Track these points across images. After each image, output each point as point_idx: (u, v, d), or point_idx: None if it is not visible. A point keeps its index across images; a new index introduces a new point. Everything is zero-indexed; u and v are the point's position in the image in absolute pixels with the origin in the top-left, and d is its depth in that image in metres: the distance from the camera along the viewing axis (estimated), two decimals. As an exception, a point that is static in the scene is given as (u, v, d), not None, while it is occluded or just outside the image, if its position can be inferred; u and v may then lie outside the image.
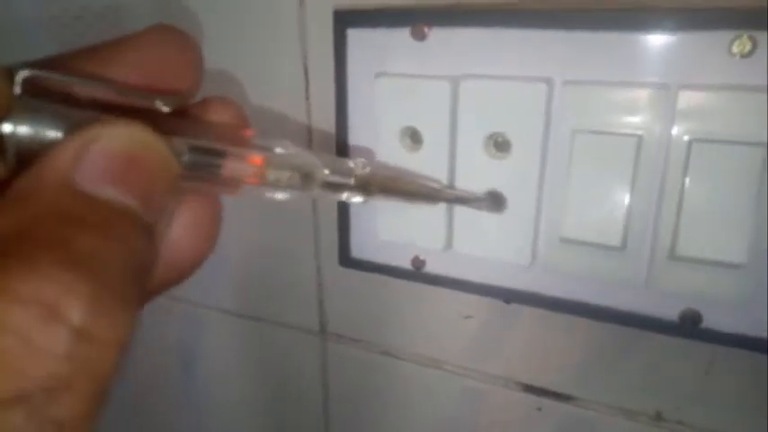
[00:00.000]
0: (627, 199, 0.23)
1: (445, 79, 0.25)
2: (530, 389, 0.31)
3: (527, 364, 0.30)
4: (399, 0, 0.27)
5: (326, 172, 0.20)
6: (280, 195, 0.19)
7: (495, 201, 0.26)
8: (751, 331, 0.23)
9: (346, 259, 0.32)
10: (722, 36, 0.21)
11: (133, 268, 0.13)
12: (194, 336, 0.42)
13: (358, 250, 0.31)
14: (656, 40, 0.22)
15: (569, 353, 0.29)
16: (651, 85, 0.22)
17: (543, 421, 0.31)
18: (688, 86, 0.22)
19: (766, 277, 0.22)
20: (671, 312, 0.24)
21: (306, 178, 0.19)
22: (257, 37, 0.32)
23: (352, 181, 0.21)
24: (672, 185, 0.23)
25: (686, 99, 0.22)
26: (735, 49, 0.21)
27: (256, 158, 0.18)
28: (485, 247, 0.27)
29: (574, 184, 0.24)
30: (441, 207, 0.27)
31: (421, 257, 0.29)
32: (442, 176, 0.27)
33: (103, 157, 0.13)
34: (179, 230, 0.16)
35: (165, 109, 0.16)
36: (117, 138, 0.13)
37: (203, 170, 0.16)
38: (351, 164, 0.22)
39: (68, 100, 0.14)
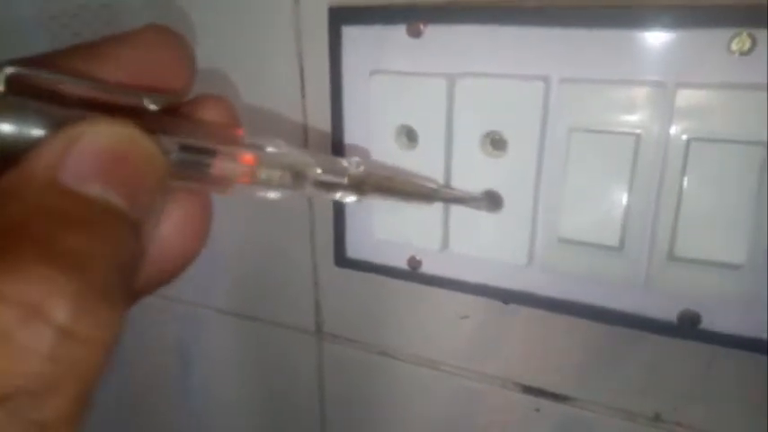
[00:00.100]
0: (625, 198, 0.23)
1: (441, 77, 0.25)
2: (528, 389, 0.31)
3: (525, 365, 0.30)
4: (395, -3, 0.27)
5: (319, 171, 0.20)
6: (272, 194, 0.19)
7: (491, 200, 0.26)
8: (750, 332, 0.23)
9: (342, 259, 0.31)
10: (721, 33, 0.21)
11: (119, 266, 0.13)
12: (191, 336, 0.42)
13: (354, 250, 0.31)
14: (655, 38, 0.22)
15: (567, 353, 0.29)
16: (649, 84, 0.22)
17: (541, 422, 0.31)
18: (686, 85, 0.21)
19: (765, 278, 0.22)
20: (669, 313, 0.24)
21: (298, 177, 0.19)
22: (252, 35, 0.31)
23: (345, 180, 0.21)
24: (670, 185, 0.22)
25: (685, 97, 0.21)
26: (734, 46, 0.20)
27: (247, 157, 0.18)
28: (481, 247, 0.27)
29: (571, 184, 0.24)
30: (437, 207, 0.27)
31: (417, 257, 0.29)
32: (438, 175, 0.26)
33: (89, 153, 0.13)
34: (168, 229, 0.16)
35: (153, 107, 0.15)
36: (103, 135, 0.13)
37: (193, 169, 0.16)
38: (344, 163, 0.22)
39: (56, 98, 0.14)
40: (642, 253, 0.23)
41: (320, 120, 0.31)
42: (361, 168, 0.22)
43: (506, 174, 0.25)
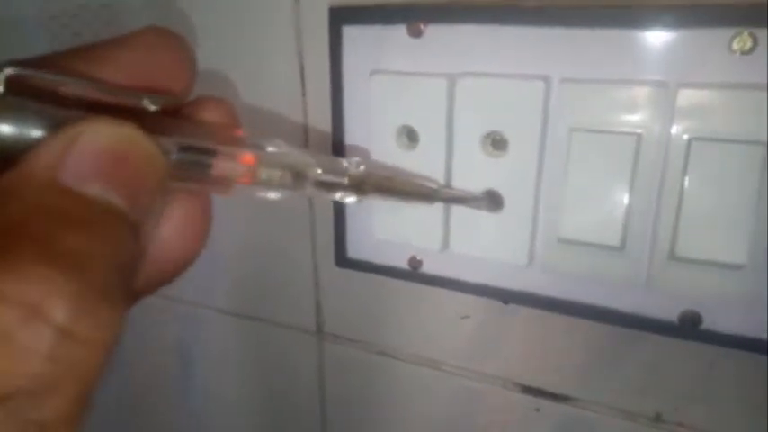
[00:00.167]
0: (626, 198, 0.23)
1: (442, 77, 0.25)
2: (528, 389, 0.31)
3: (525, 365, 0.30)
4: (395, -3, 0.27)
5: (319, 171, 0.20)
6: (272, 195, 0.19)
7: (492, 200, 0.26)
8: (751, 332, 0.23)
9: (342, 259, 0.31)
10: (722, 33, 0.21)
11: (119, 267, 0.13)
12: (191, 336, 0.42)
13: (354, 250, 0.31)
14: (656, 38, 0.22)
15: (567, 353, 0.29)
16: (650, 83, 0.22)
17: (541, 422, 0.31)
18: (688, 84, 0.21)
19: (766, 278, 0.22)
20: (670, 313, 0.24)
21: (298, 177, 0.19)
22: (252, 35, 0.31)
23: (345, 180, 0.21)
24: (671, 185, 0.22)
25: (686, 97, 0.21)
26: (735, 46, 0.20)
27: (247, 157, 0.18)
28: (482, 247, 0.27)
29: (572, 184, 0.24)
30: (437, 207, 0.27)
31: (418, 257, 0.29)
32: (439, 175, 0.26)
33: (89, 153, 0.13)
34: (168, 230, 0.16)
35: (153, 108, 0.15)
36: (103, 134, 0.13)
37: (193, 169, 0.16)
38: (345, 163, 0.22)
39: (55, 99, 0.14)
40: (643, 253, 0.23)
41: (320, 120, 0.31)
42: (362, 168, 0.22)
43: (507, 174, 0.25)
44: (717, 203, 0.22)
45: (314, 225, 0.33)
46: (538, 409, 0.31)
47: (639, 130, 0.22)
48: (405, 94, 0.26)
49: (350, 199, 0.22)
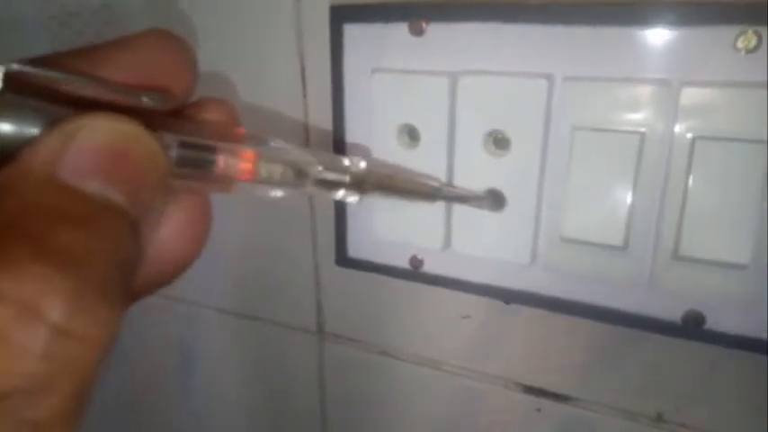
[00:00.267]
0: (629, 198, 0.23)
1: (443, 75, 0.25)
2: (529, 389, 0.30)
3: (526, 365, 0.30)
4: (397, -5, 0.26)
5: (320, 168, 0.20)
6: (274, 193, 0.19)
7: (494, 199, 0.26)
8: (754, 333, 0.23)
9: (343, 259, 0.31)
10: (727, 31, 0.20)
11: (117, 264, 0.12)
12: (192, 335, 0.42)
13: (355, 250, 0.31)
14: (659, 35, 0.22)
15: (569, 353, 0.29)
16: (653, 82, 0.22)
17: (543, 422, 0.31)
18: (691, 83, 0.21)
19: (771, 278, 0.22)
20: (673, 313, 0.24)
21: (299, 175, 0.19)
22: (253, 34, 0.31)
23: (347, 178, 0.21)
24: (675, 184, 0.22)
25: (689, 95, 0.21)
26: (740, 44, 0.20)
27: (248, 153, 0.17)
28: (484, 246, 0.26)
29: (574, 183, 0.24)
30: (439, 206, 0.26)
31: (419, 257, 0.29)
32: (441, 174, 0.26)
33: (89, 149, 0.12)
34: (168, 231, 0.16)
35: (152, 105, 0.15)
36: (103, 130, 0.13)
37: (194, 167, 0.16)
38: (346, 161, 0.21)
39: (56, 97, 0.14)
40: (646, 252, 0.23)
41: (321, 119, 0.31)
42: (363, 166, 0.22)
43: (509, 173, 0.25)
44: (720, 203, 0.22)
45: (314, 224, 0.33)
46: (539, 410, 0.30)
47: (643, 129, 0.22)
48: (406, 92, 0.26)
49: (351, 198, 0.22)
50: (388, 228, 0.29)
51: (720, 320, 0.23)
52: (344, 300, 0.34)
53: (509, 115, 0.24)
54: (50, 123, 0.13)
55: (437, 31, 0.25)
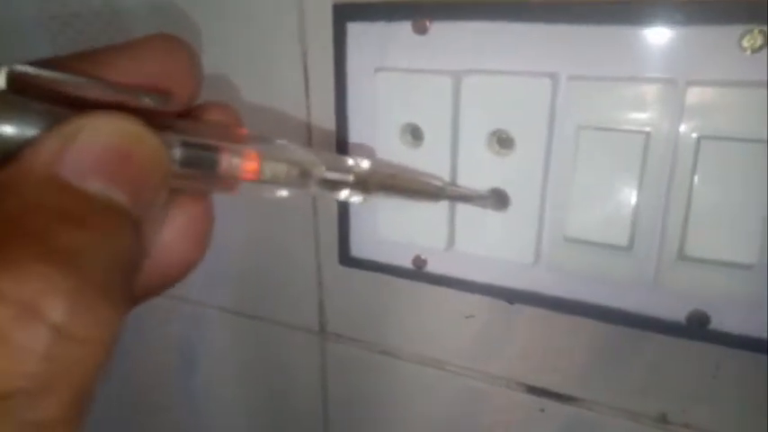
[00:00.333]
0: (634, 197, 0.23)
1: (447, 74, 0.25)
2: (532, 390, 0.30)
3: (530, 365, 0.30)
4: (400, -7, 0.26)
5: (324, 169, 0.20)
6: (277, 193, 0.19)
7: (498, 199, 0.25)
8: (759, 333, 0.23)
9: (346, 258, 0.31)
10: (732, 30, 0.20)
11: (120, 264, 0.12)
12: (194, 334, 0.42)
13: (358, 249, 0.31)
14: (664, 34, 0.21)
15: (573, 353, 0.29)
16: (659, 81, 0.22)
17: (546, 422, 0.31)
18: (697, 82, 0.21)
19: (776, 278, 0.22)
20: (678, 313, 0.24)
21: (303, 175, 0.19)
22: (256, 33, 0.31)
23: (350, 178, 0.21)
24: (680, 184, 0.22)
25: (695, 95, 0.21)
26: (745, 43, 0.20)
27: (252, 153, 0.17)
28: (487, 246, 0.26)
29: (579, 182, 0.24)
30: (442, 205, 0.26)
31: (422, 256, 0.29)
32: (444, 174, 0.26)
33: (90, 148, 0.12)
34: (171, 234, 0.16)
35: (153, 105, 0.15)
36: (104, 129, 0.13)
37: (198, 167, 0.16)
38: (350, 161, 0.21)
39: (58, 98, 0.14)
40: (651, 252, 0.23)
41: (324, 118, 0.31)
42: (367, 166, 0.22)
43: (513, 172, 0.25)
44: (725, 203, 0.22)
45: (317, 224, 0.33)
46: (542, 410, 0.30)
47: (648, 128, 0.22)
48: (410, 91, 0.26)
49: (355, 198, 0.22)
50: (391, 227, 0.28)
51: (725, 320, 0.23)
52: (347, 299, 0.34)
53: (513, 114, 0.24)
54: (52, 124, 0.13)
55: (441, 30, 0.25)
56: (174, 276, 0.16)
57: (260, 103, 0.32)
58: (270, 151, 0.18)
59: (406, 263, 0.29)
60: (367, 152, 0.28)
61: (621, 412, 0.28)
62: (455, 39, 0.25)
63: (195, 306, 0.40)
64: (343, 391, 0.37)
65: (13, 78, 0.13)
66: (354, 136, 0.29)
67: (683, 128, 0.22)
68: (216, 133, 0.17)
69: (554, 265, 0.25)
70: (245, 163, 0.17)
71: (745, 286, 0.22)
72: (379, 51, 0.27)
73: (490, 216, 0.26)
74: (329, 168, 0.20)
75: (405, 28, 0.26)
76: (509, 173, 0.25)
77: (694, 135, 0.21)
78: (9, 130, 0.12)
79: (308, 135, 0.31)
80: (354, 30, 0.27)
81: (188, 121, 0.17)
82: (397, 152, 0.27)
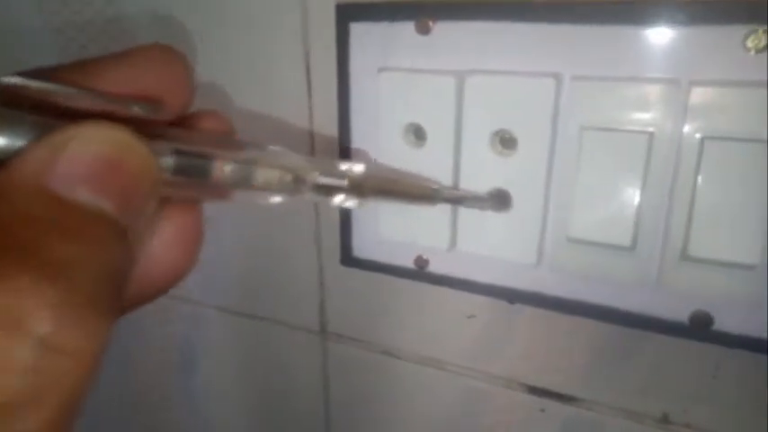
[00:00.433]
0: (637, 198, 0.23)
1: (450, 74, 0.25)
2: (533, 390, 0.30)
3: (531, 365, 0.30)
4: (403, -7, 0.26)
5: (317, 174, 0.20)
6: (271, 200, 0.19)
7: (498, 199, 0.25)
8: (762, 333, 0.23)
9: (348, 258, 0.31)
10: (736, 30, 0.20)
11: (108, 275, 0.12)
12: (195, 335, 0.41)
13: (360, 249, 0.31)
14: (668, 34, 0.21)
15: (574, 353, 0.29)
16: (662, 81, 0.22)
17: (547, 423, 0.31)
18: (700, 82, 0.21)
19: (779, 278, 0.22)
20: (681, 314, 0.24)
21: (296, 181, 0.19)
22: (259, 33, 0.31)
23: (345, 183, 0.21)
24: (683, 184, 0.22)
25: (699, 95, 0.21)
26: (749, 43, 0.20)
27: (244, 160, 0.17)
28: (490, 246, 0.26)
29: (582, 183, 0.24)
30: (445, 206, 0.26)
31: (424, 257, 0.29)
32: (447, 174, 0.26)
33: (80, 157, 0.12)
34: (161, 244, 0.16)
35: (143, 114, 0.15)
36: (94, 139, 0.13)
37: (190, 175, 0.16)
38: (344, 166, 0.21)
39: (50, 109, 0.13)
40: (654, 253, 0.23)
41: (327, 118, 0.30)
42: (361, 170, 0.21)
43: (516, 172, 0.25)
44: (729, 203, 0.22)
45: (319, 224, 0.33)
46: (543, 410, 0.30)
47: (651, 129, 0.22)
48: (412, 91, 0.26)
49: (350, 203, 0.21)
50: (393, 228, 0.28)
51: (728, 321, 0.23)
52: (348, 300, 0.34)
53: (516, 115, 0.24)
54: (42, 135, 0.13)
55: (444, 30, 0.25)
56: (164, 285, 0.16)
57: (262, 104, 0.32)
58: (262, 157, 0.18)
59: (408, 263, 0.29)
60: (370, 152, 0.28)
61: (623, 412, 0.28)
62: (458, 39, 0.25)
63: (195, 306, 0.40)
64: (344, 391, 0.37)
65: (2, 90, 0.13)
66: (357, 136, 0.29)
67: (686, 128, 0.22)
68: (208, 141, 0.17)
69: (556, 266, 0.25)
70: (237, 169, 0.17)
71: (747, 287, 0.22)
72: (382, 51, 0.27)
73: (493, 217, 0.26)
74: (323, 173, 0.20)
75: (408, 28, 0.26)
76: (512, 173, 0.25)
77: (698, 135, 0.21)
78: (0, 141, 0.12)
79: (310, 135, 0.31)
80: (357, 30, 0.27)
81: (180, 130, 0.17)
82: (399, 152, 0.27)
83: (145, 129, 0.14)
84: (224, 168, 0.16)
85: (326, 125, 0.31)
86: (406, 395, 0.34)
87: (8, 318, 0.10)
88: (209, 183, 0.16)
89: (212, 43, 0.32)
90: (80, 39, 0.36)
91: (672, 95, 0.22)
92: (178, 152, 0.15)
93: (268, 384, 0.40)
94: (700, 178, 0.22)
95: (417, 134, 0.27)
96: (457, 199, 0.26)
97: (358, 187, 0.21)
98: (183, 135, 0.17)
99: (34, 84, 0.13)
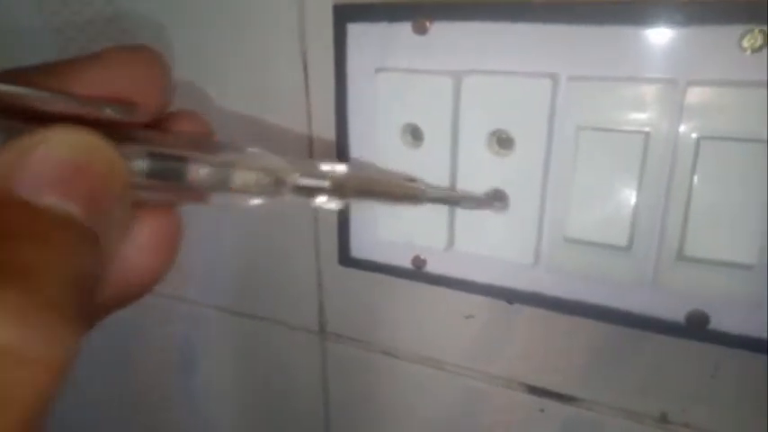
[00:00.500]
0: (633, 198, 0.23)
1: (447, 75, 0.25)
2: (533, 390, 0.30)
3: (530, 365, 0.30)
4: (400, -6, 0.26)
5: (298, 175, 0.19)
6: (251, 202, 0.18)
7: (496, 199, 0.25)
8: (759, 333, 0.23)
9: (346, 258, 0.31)
10: (732, 30, 0.20)
11: (75, 279, 0.12)
12: (194, 334, 0.41)
13: (358, 249, 0.31)
14: (664, 34, 0.21)
15: (573, 353, 0.29)
16: (659, 81, 0.22)
17: (546, 423, 0.31)
18: (697, 82, 0.21)
19: (776, 278, 0.22)
20: (677, 314, 0.24)
21: (277, 183, 0.19)
22: (256, 33, 0.31)
23: (326, 183, 0.20)
24: (680, 184, 0.22)
25: (695, 95, 0.21)
26: (745, 43, 0.20)
27: (220, 162, 0.17)
28: (487, 246, 0.26)
29: (579, 183, 0.24)
30: (442, 206, 0.26)
31: (422, 257, 0.29)
32: (444, 174, 0.26)
33: (46, 161, 0.12)
34: (136, 247, 0.16)
35: (116, 116, 0.15)
36: (61, 143, 0.12)
37: (165, 178, 0.15)
38: (325, 166, 0.21)
39: (19, 114, 0.13)
40: (651, 252, 0.23)
41: (324, 118, 0.31)
42: (343, 170, 0.21)
43: (513, 172, 0.25)
44: (725, 203, 0.22)
45: (317, 224, 0.33)
46: (542, 410, 0.30)
47: (647, 129, 0.22)
48: (410, 91, 0.26)
49: (332, 204, 0.21)
50: (390, 228, 0.28)
51: (725, 321, 0.23)
52: (347, 300, 0.34)
53: (513, 115, 0.24)
54: (10, 139, 0.12)
55: (441, 31, 0.25)
56: (140, 289, 0.16)
57: (260, 104, 0.32)
58: (240, 160, 0.17)
59: (406, 263, 0.29)
60: (367, 152, 0.28)
61: (622, 412, 0.28)
62: (455, 39, 0.25)
63: (195, 306, 0.40)
64: (343, 391, 0.37)
65: None
66: (354, 136, 0.29)
67: (682, 128, 0.22)
68: (185, 143, 0.16)
69: (554, 266, 0.25)
70: (214, 172, 0.17)
71: (744, 286, 0.22)
72: (379, 52, 0.27)
73: (490, 217, 0.26)
74: (303, 175, 0.20)
75: (405, 28, 0.26)
76: (509, 173, 0.25)
77: (694, 135, 0.21)
78: None
79: (308, 136, 0.31)
80: (355, 30, 0.27)
81: (156, 132, 0.17)
82: (396, 152, 0.27)
83: (119, 131, 0.14)
84: (199, 171, 0.16)
85: (324, 126, 0.31)
86: (405, 395, 0.34)
87: None
88: (185, 186, 0.16)
89: (210, 43, 0.32)
90: (80, 39, 0.37)
91: (668, 95, 0.22)
92: (152, 155, 0.15)
93: (267, 384, 0.40)
94: (696, 178, 0.22)
95: (414, 134, 0.27)
96: (442, 199, 0.25)
97: (340, 188, 0.20)
98: (159, 137, 0.16)
99: (3, 87, 0.13)
